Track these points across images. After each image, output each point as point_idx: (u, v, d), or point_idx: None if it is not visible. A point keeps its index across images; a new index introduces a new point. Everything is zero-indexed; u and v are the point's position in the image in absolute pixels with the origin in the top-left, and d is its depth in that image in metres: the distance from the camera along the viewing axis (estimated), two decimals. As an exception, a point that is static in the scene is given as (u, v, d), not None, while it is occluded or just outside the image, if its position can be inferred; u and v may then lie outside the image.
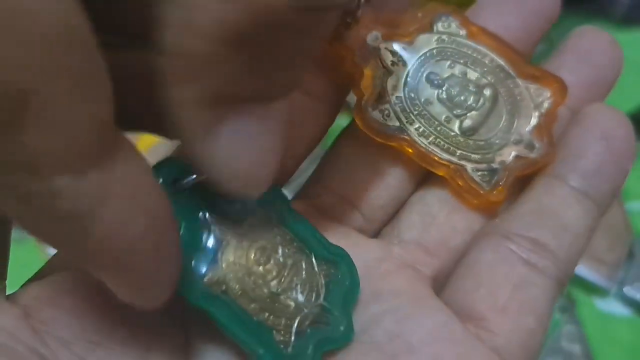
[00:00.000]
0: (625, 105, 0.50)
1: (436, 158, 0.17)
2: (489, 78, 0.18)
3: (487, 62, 0.18)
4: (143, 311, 0.13)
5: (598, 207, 0.17)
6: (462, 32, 0.19)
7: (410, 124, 0.17)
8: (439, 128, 0.17)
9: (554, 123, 0.18)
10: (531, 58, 0.20)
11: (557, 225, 0.16)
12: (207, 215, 0.15)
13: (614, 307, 0.40)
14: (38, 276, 0.15)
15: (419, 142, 0.17)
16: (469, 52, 0.18)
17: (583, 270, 0.40)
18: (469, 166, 0.17)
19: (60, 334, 0.13)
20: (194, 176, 0.15)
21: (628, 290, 0.40)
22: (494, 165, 0.17)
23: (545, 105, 0.18)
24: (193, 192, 0.15)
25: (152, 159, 0.14)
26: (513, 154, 0.18)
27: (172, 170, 0.15)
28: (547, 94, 0.18)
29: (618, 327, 0.39)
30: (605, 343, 0.39)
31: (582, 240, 0.17)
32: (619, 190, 0.17)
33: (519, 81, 0.18)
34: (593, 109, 0.18)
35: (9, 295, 0.15)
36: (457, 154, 0.17)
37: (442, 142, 0.17)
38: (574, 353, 0.37)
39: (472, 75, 0.18)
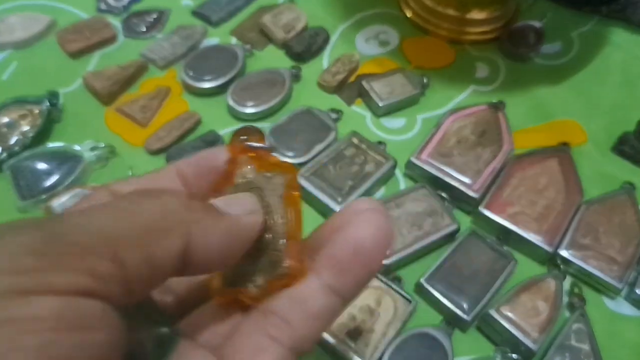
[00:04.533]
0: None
1: None
2: None
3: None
4: None
5: (342, 298, 0.21)
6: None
7: None
8: None
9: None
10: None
11: (303, 310, 0.21)
12: None
13: (624, 307, 0.40)
14: None
15: None
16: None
17: (595, 269, 0.39)
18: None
19: None
20: None
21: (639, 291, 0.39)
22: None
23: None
24: None
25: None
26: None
27: None
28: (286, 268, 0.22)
29: (627, 328, 0.39)
30: (614, 343, 0.38)
31: (322, 323, 0.21)
32: (365, 285, 0.22)
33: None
34: (351, 220, 0.21)
35: None
36: None
37: None
38: (582, 351, 0.36)
39: None
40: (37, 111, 0.45)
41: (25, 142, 0.44)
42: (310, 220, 0.42)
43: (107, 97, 0.47)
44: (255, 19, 0.54)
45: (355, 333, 0.36)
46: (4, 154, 0.43)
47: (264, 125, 0.46)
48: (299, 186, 0.23)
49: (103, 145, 0.44)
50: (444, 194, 0.43)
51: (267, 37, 0.53)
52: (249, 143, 0.23)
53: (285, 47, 0.52)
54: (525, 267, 0.40)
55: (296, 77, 0.50)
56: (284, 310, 0.21)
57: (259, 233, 0.21)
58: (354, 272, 0.21)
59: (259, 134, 0.23)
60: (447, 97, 0.50)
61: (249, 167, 0.23)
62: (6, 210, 0.41)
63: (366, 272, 0.21)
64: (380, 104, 0.47)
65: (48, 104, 0.45)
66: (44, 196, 0.41)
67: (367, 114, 0.48)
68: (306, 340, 0.21)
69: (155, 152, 0.45)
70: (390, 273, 0.39)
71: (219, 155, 0.24)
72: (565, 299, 0.39)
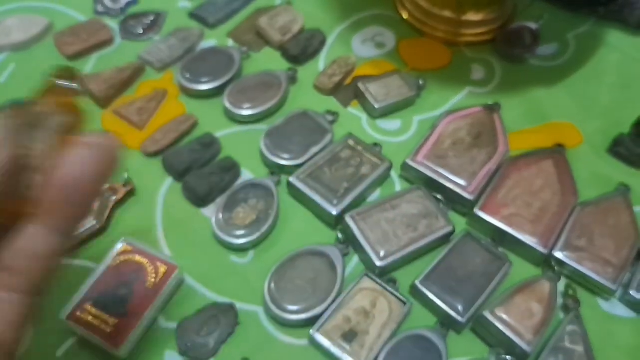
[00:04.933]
0: None
1: None
2: None
3: None
4: None
5: (63, 234, 0.22)
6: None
7: None
8: None
9: None
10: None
11: (26, 256, 0.22)
12: None
13: (618, 309, 0.40)
14: None
15: None
16: None
17: (589, 271, 0.39)
18: None
19: None
20: None
21: (634, 292, 0.39)
22: None
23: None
24: None
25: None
26: None
27: None
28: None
29: (622, 329, 0.39)
30: (608, 345, 0.38)
31: (50, 261, 0.22)
32: (82, 217, 0.23)
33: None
34: (66, 158, 0.22)
35: None
36: None
37: None
38: (576, 353, 0.37)
39: None
40: (34, 114, 0.45)
41: (22, 144, 0.44)
42: (307, 222, 0.42)
43: (104, 100, 0.47)
44: (252, 22, 0.54)
45: (350, 335, 0.36)
46: (1, 157, 0.43)
47: (261, 127, 0.47)
48: (76, 129, 0.24)
49: (100, 148, 0.44)
50: (439, 196, 0.43)
51: (263, 39, 0.53)
52: (57, 80, 0.24)
53: (282, 49, 0.52)
54: (520, 269, 0.40)
55: (292, 79, 0.50)
56: (10, 261, 0.22)
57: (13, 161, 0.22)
58: (65, 210, 0.22)
59: (72, 73, 0.25)
60: (443, 99, 0.50)
61: (44, 102, 0.24)
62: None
63: (77, 207, 0.23)
64: (376, 106, 0.48)
65: (45, 106, 0.46)
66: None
67: (363, 116, 0.49)
68: (38, 280, 0.22)
69: (152, 155, 0.45)
70: (386, 275, 0.40)
71: None
72: (560, 301, 0.39)
